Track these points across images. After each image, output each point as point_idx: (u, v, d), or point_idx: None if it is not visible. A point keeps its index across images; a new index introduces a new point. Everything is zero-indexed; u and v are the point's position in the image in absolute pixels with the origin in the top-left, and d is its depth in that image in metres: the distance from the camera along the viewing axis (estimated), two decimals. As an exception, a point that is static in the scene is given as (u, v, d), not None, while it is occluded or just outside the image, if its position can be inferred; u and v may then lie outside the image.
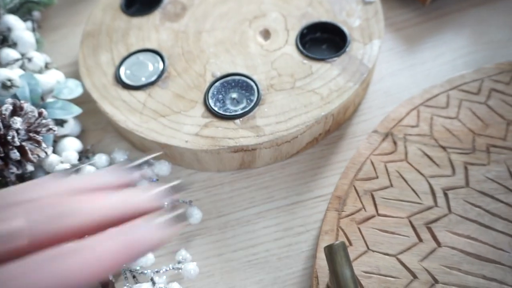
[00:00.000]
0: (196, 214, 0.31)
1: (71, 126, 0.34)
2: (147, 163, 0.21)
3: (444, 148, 0.31)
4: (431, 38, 0.41)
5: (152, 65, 0.37)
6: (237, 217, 0.33)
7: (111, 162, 0.35)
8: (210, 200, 0.34)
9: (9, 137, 0.26)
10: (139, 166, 0.20)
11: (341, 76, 0.34)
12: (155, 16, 0.40)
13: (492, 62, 0.38)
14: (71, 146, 0.33)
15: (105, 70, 0.37)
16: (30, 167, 0.28)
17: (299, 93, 0.33)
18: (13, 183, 0.29)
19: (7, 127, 0.26)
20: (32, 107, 0.29)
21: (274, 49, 0.36)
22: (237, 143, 0.31)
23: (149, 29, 0.39)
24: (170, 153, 0.34)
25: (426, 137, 0.32)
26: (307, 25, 0.37)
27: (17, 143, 0.26)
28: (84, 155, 0.35)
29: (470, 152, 0.31)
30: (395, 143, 0.32)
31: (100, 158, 0.33)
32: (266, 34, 0.38)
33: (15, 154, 0.26)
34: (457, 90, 0.34)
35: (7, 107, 0.27)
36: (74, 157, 0.32)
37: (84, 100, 0.36)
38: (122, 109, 0.34)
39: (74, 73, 0.42)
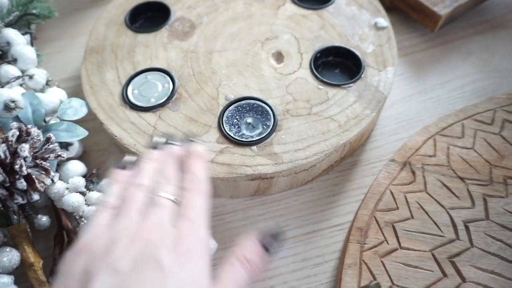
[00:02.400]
0: (211, 245, 0.30)
1: (76, 148, 0.32)
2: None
3: (462, 179, 0.31)
4: (438, 64, 0.42)
5: (161, 86, 0.35)
6: (252, 247, 0.32)
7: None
8: (224, 229, 0.32)
9: (16, 166, 0.24)
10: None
11: (358, 103, 0.33)
12: (163, 34, 0.39)
13: (499, 91, 0.39)
14: (76, 170, 0.31)
15: (111, 89, 0.35)
16: (36, 196, 0.26)
17: (316, 119, 0.33)
18: (15, 213, 0.27)
19: (14, 154, 0.24)
20: (38, 131, 0.27)
21: (288, 72, 0.36)
22: (255, 171, 0.30)
23: (156, 47, 0.38)
24: (182, 180, 0.32)
25: (444, 167, 0.32)
26: (320, 48, 0.37)
27: (25, 172, 0.24)
28: (89, 179, 0.32)
29: (488, 184, 0.31)
30: (413, 173, 0.32)
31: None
32: (279, 56, 0.37)
33: (22, 184, 0.24)
34: (471, 119, 0.34)
35: (14, 133, 0.24)
36: (81, 183, 0.30)
37: (85, 119, 0.34)
38: (131, 132, 0.33)
39: (74, 89, 0.40)
